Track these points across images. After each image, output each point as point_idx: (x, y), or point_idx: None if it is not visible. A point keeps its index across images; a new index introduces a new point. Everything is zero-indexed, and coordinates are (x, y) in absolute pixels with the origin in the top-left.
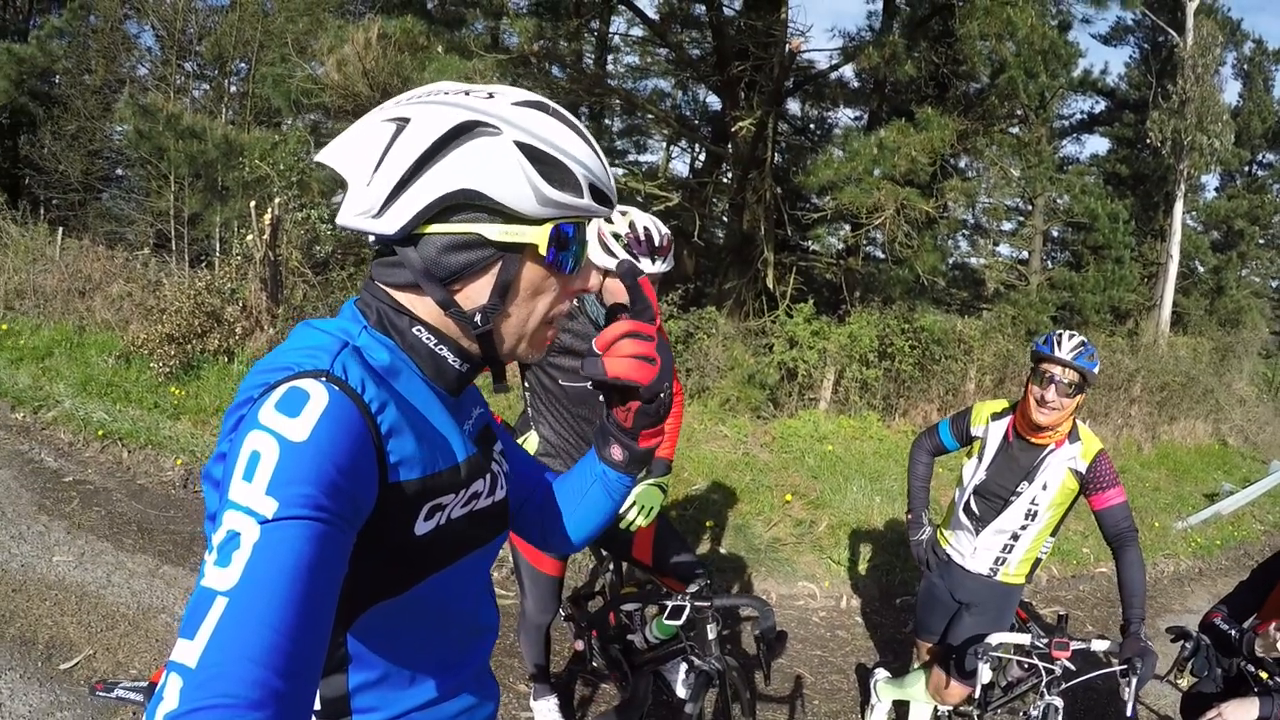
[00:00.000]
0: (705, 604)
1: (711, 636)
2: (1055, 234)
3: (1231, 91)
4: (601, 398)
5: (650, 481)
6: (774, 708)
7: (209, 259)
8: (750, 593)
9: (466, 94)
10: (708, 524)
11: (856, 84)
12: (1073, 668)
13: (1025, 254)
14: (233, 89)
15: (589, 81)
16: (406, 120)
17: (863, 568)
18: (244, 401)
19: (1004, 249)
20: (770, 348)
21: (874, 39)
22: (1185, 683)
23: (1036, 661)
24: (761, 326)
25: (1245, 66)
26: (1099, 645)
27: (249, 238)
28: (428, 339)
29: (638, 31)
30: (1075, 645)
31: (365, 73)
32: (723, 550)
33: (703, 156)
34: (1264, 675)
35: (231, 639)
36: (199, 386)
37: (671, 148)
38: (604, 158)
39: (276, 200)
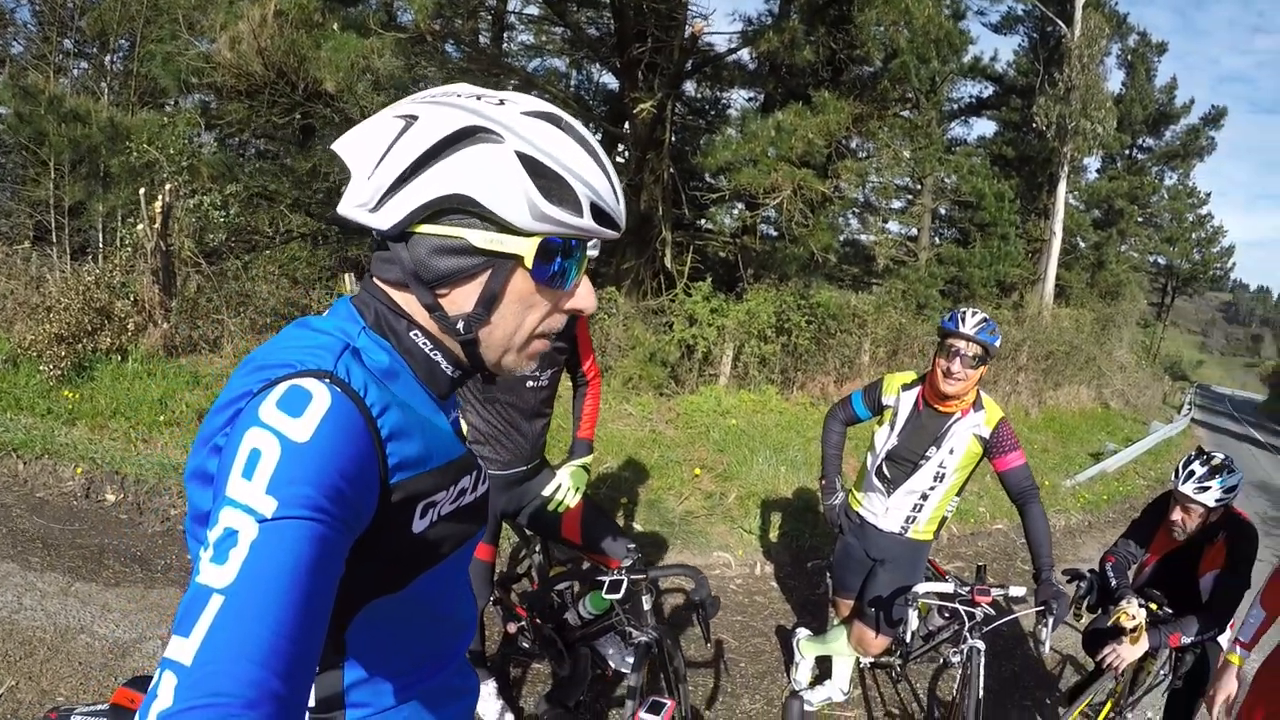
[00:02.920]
0: (641, 575)
1: (647, 607)
2: (943, 212)
3: (1115, 80)
4: (530, 383)
5: (575, 462)
6: (702, 673)
7: (93, 251)
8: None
9: (479, 98)
10: (622, 501)
11: (752, 66)
12: (993, 613)
13: (914, 231)
14: (116, 67)
15: (486, 61)
16: (415, 118)
17: (773, 535)
18: (241, 395)
19: (893, 226)
20: (670, 326)
21: (774, 24)
22: (1084, 621)
23: (959, 608)
24: (661, 305)
25: (1129, 57)
26: (1016, 591)
27: (139, 227)
28: (424, 343)
29: (534, 10)
30: (996, 592)
31: (260, 51)
32: (638, 526)
33: (599, 137)
34: (1153, 606)
35: (228, 637)
36: (93, 388)
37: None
38: (615, 179)
39: (167, 187)
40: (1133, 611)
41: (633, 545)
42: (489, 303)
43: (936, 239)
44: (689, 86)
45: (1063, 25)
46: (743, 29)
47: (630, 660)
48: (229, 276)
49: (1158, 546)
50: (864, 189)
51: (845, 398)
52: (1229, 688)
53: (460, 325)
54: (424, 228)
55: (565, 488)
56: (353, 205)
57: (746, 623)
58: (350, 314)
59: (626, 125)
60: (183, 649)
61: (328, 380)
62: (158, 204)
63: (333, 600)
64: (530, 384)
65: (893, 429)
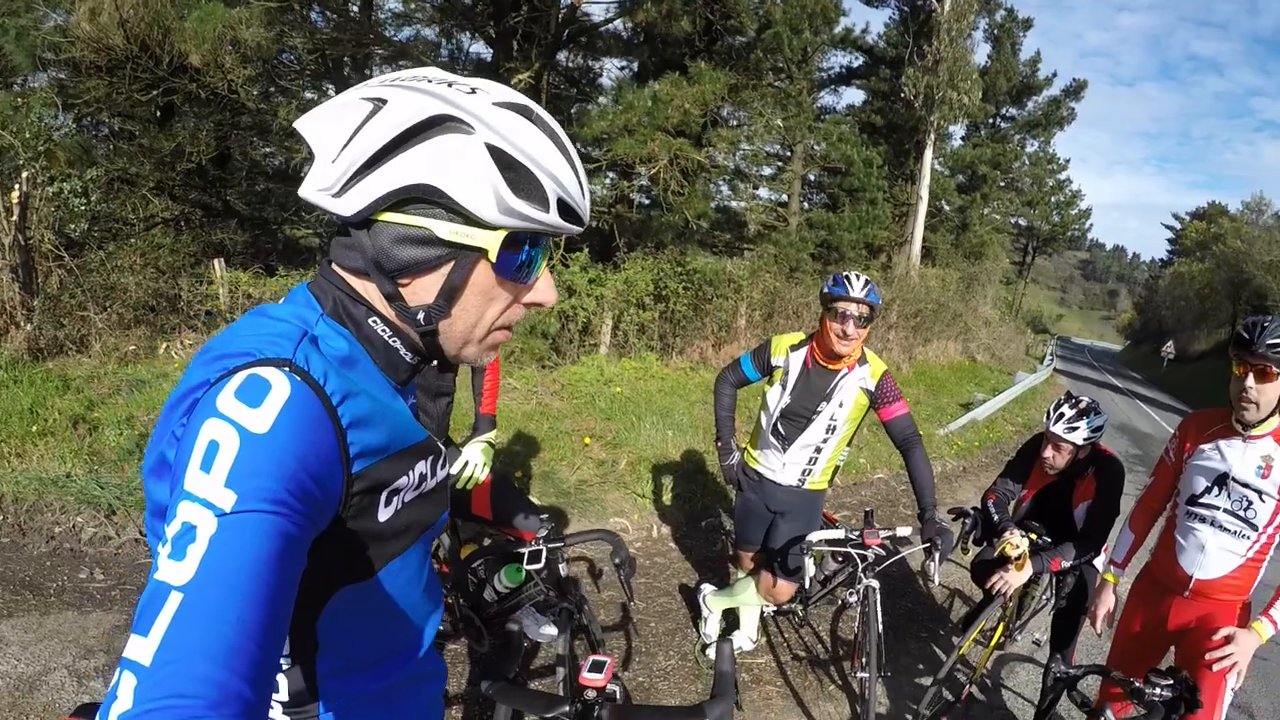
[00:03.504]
0: (559, 543)
1: (564, 574)
2: (813, 178)
3: (982, 53)
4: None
5: (480, 438)
6: (614, 636)
7: None
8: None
9: (450, 85)
10: (516, 475)
11: (627, 35)
12: (884, 553)
13: (785, 197)
14: None
15: (356, 30)
16: (383, 102)
17: (667, 498)
18: (199, 384)
19: (764, 193)
20: None
21: None
22: (970, 555)
23: (851, 551)
24: None
25: (996, 31)
26: (904, 531)
27: None
28: (383, 331)
29: None
30: (884, 533)
31: (122, 22)
32: (534, 499)
33: None
34: (1034, 536)
35: (187, 636)
36: None
37: None
38: (583, 174)
39: (24, 174)
40: (1016, 541)
41: (545, 515)
42: (450, 295)
43: (806, 204)
44: (563, 56)
45: (933, 0)
46: None
47: (545, 631)
48: (92, 269)
49: (1033, 483)
50: (736, 157)
51: (734, 361)
52: (1108, 603)
53: (421, 316)
54: (388, 216)
55: (474, 464)
56: (315, 189)
57: (650, 584)
58: (308, 301)
59: None
60: (142, 648)
61: (287, 368)
62: (15, 194)
63: (294, 596)
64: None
65: (784, 388)
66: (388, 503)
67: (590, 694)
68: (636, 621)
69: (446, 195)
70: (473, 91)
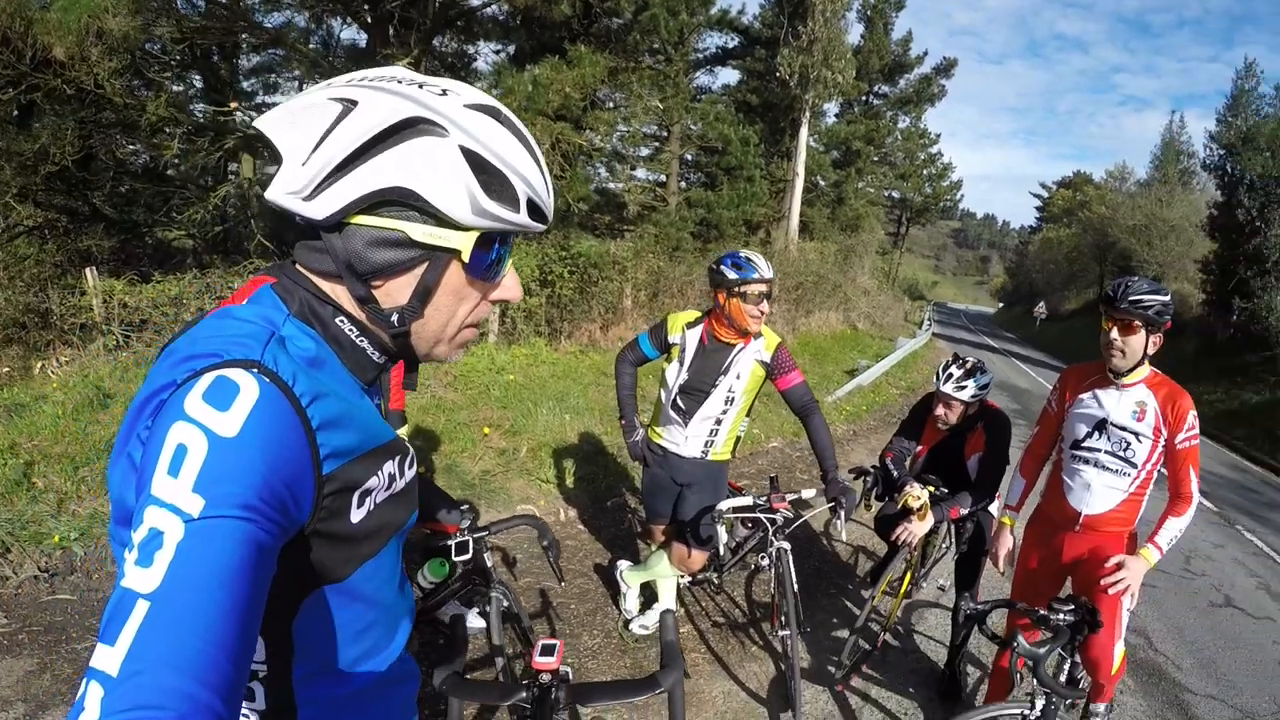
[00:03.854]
0: (483, 532)
1: (490, 564)
2: (690, 158)
3: (855, 33)
4: None
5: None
6: (536, 622)
7: None
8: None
9: (420, 86)
10: (420, 470)
11: (503, 19)
12: (791, 515)
13: (663, 177)
14: None
15: (226, 17)
16: (354, 103)
17: (570, 481)
18: (165, 386)
19: (642, 173)
20: None
21: None
22: (873, 511)
23: (760, 516)
24: None
25: (869, 12)
26: (808, 493)
27: None
28: (350, 330)
29: None
30: (791, 496)
31: None
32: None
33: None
34: (931, 489)
35: (154, 646)
36: None
37: (304, 87)
38: (548, 173)
39: None
40: (917, 493)
41: (466, 506)
42: (424, 296)
43: (685, 184)
44: (437, 41)
45: None
46: None
47: (473, 623)
48: None
49: (927, 439)
50: (614, 139)
51: (633, 340)
52: (1007, 543)
53: (395, 318)
54: (361, 219)
55: None
56: (284, 192)
57: (565, 567)
58: (274, 302)
59: None
60: (108, 658)
61: (255, 370)
62: None
63: (264, 603)
64: None
65: (682, 365)
66: (360, 504)
67: (544, 677)
68: (557, 605)
69: (422, 198)
70: (444, 93)
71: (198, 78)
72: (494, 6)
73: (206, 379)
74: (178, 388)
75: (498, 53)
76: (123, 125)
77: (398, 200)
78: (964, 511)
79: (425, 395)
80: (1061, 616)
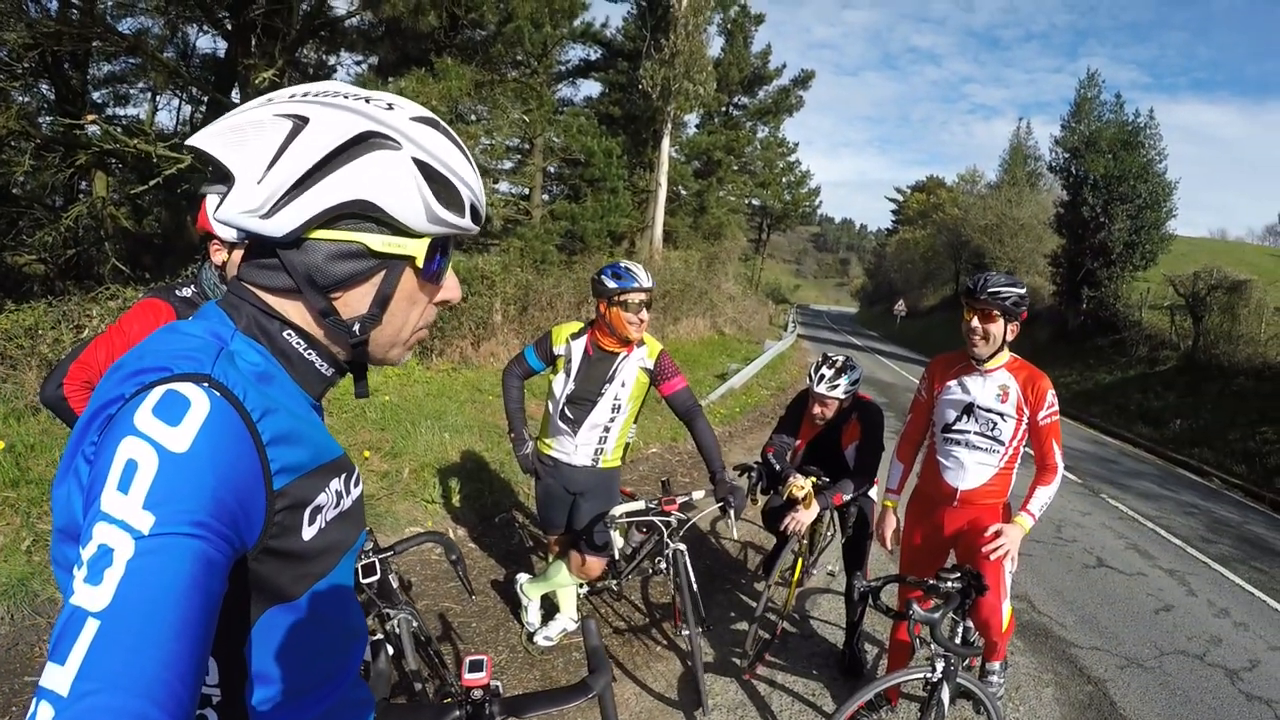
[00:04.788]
0: (388, 553)
1: (395, 585)
2: (554, 170)
3: (716, 46)
4: None
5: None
6: (439, 644)
7: None
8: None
9: (367, 100)
10: None
11: (367, 29)
12: (684, 517)
13: (526, 190)
14: None
15: (80, 23)
16: (305, 119)
17: (456, 500)
18: (112, 400)
19: (504, 186)
20: None
21: None
22: (760, 505)
23: (654, 519)
24: None
25: (729, 25)
26: (698, 494)
27: None
28: (298, 344)
29: None
30: (681, 499)
31: None
32: None
33: (203, 107)
34: (814, 480)
35: (104, 666)
36: None
37: (158, 97)
38: (480, 178)
39: None
40: (801, 483)
41: (367, 529)
42: (383, 303)
43: (548, 196)
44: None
45: None
46: None
47: (390, 647)
48: None
49: (804, 434)
50: (476, 151)
51: (519, 354)
52: (891, 523)
53: (356, 327)
54: (320, 233)
55: None
56: (238, 211)
57: (461, 587)
58: (220, 317)
59: (237, 93)
60: (58, 678)
61: (206, 384)
62: None
63: (216, 622)
64: None
65: (569, 375)
66: (311, 521)
67: (477, 693)
68: (458, 625)
69: (381, 209)
70: (390, 107)
71: (47, 87)
72: (359, 17)
73: (156, 393)
74: (126, 402)
75: (359, 64)
76: None
77: (357, 213)
78: (847, 497)
79: None
80: (950, 584)
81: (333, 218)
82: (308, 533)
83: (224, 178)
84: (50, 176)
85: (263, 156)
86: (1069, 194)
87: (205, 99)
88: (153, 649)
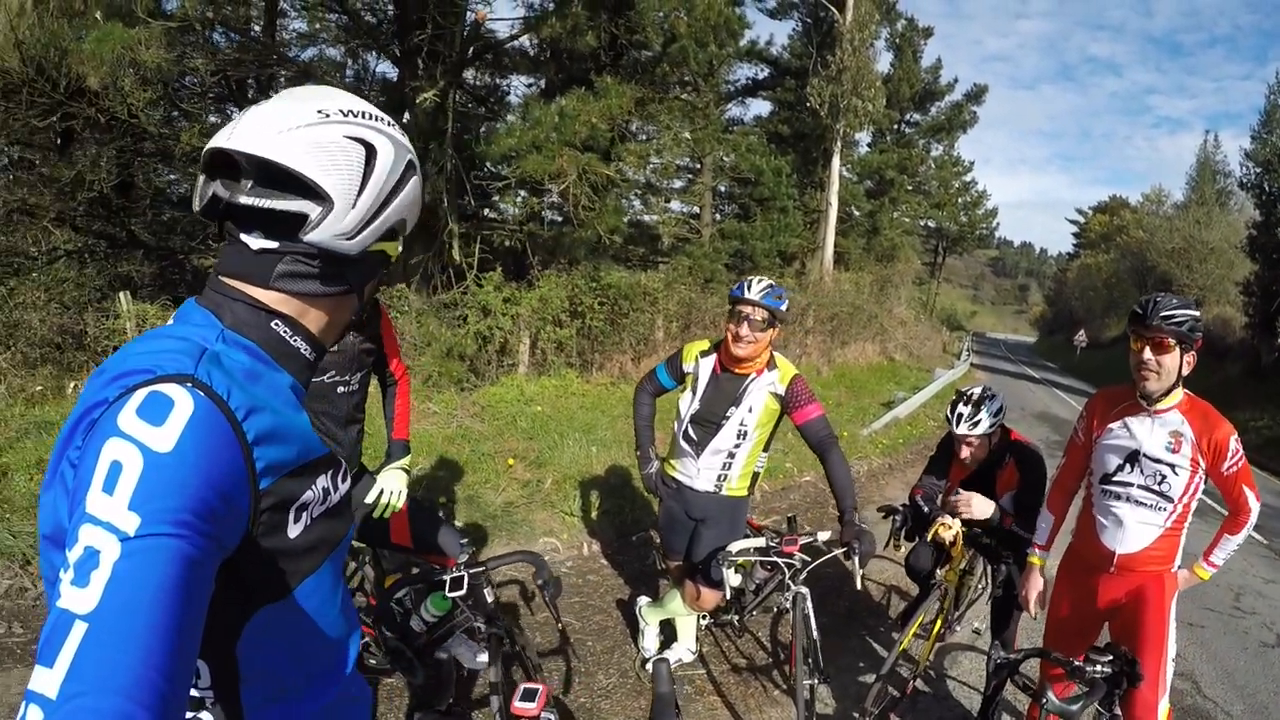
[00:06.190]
0: (480, 568)
1: (490, 600)
2: (723, 189)
3: (884, 61)
4: (341, 389)
5: (394, 465)
6: (553, 658)
7: None
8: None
9: (390, 124)
10: (440, 500)
11: (534, 52)
12: (808, 558)
13: (696, 209)
14: None
15: (260, 51)
16: (372, 146)
17: (595, 515)
18: (96, 404)
19: (676, 205)
20: (464, 319)
21: (556, 9)
22: (903, 551)
23: (776, 560)
24: (453, 299)
25: (897, 40)
26: (822, 535)
27: None
28: (285, 331)
29: None
30: (803, 539)
31: (18, 44)
32: (460, 523)
33: None
34: (963, 528)
35: (93, 668)
36: None
37: None
38: None
39: None
40: (949, 522)
41: (465, 540)
42: (375, 287)
43: (718, 215)
44: (469, 74)
45: (835, 11)
46: (525, 15)
47: (480, 659)
48: None
49: (954, 475)
50: (646, 171)
51: (651, 371)
52: (1037, 585)
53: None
54: (375, 247)
55: (390, 491)
56: (331, 234)
57: (585, 602)
58: (205, 318)
59: (407, 115)
60: (47, 681)
61: (190, 384)
62: None
63: (203, 621)
64: (341, 390)
65: (695, 394)
66: (297, 519)
67: None
68: (574, 642)
69: (406, 225)
70: (404, 130)
71: (234, 109)
72: (523, 39)
73: (140, 394)
74: (110, 405)
75: (529, 86)
76: (161, 155)
77: (396, 229)
78: (1016, 529)
79: (451, 425)
80: (1098, 668)
81: (382, 235)
82: (293, 530)
83: (318, 197)
84: None
85: (352, 183)
86: (1262, 213)
87: None
88: (140, 650)
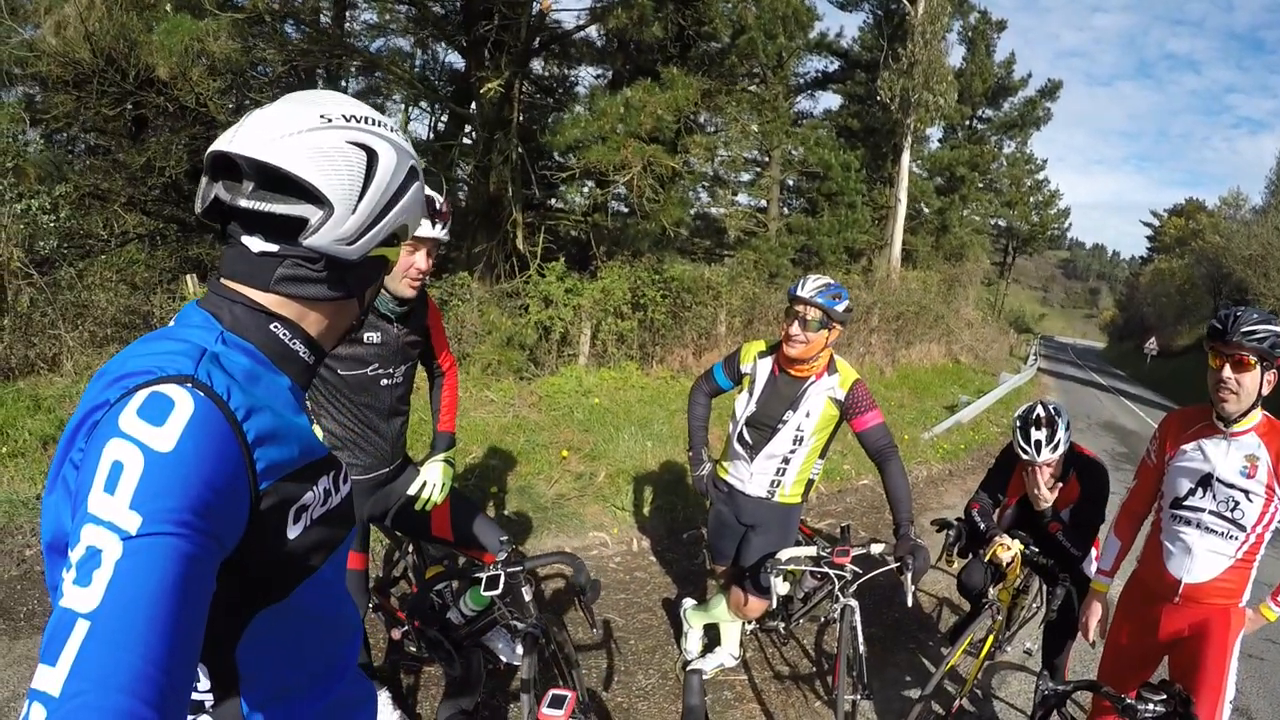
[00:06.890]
0: (518, 567)
1: (528, 598)
2: (791, 183)
3: (956, 55)
4: (385, 381)
5: (438, 457)
6: (593, 655)
7: None
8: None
9: (390, 129)
10: (491, 490)
11: (600, 43)
12: (859, 570)
13: (763, 203)
14: None
15: (328, 42)
16: (373, 152)
17: (646, 510)
18: (98, 405)
19: (743, 198)
20: (525, 308)
21: (623, 0)
22: (956, 566)
23: (826, 570)
24: (515, 288)
25: (970, 34)
26: (876, 548)
27: None
28: (284, 334)
29: None
30: (855, 551)
31: (88, 36)
32: (510, 513)
33: (445, 118)
34: (1021, 548)
35: (95, 666)
36: None
37: (410, 110)
38: None
39: None
40: (1007, 542)
41: (505, 537)
42: (375, 291)
43: (785, 209)
44: (536, 65)
45: (906, 3)
46: (591, 5)
47: (519, 652)
48: (63, 287)
49: (1014, 490)
50: (713, 163)
51: (708, 370)
52: (1098, 612)
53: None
54: (375, 251)
55: (431, 484)
56: (331, 239)
57: (630, 599)
58: (205, 320)
59: (473, 105)
60: (50, 679)
61: (190, 385)
62: None
63: (204, 619)
64: (385, 382)
65: (751, 395)
66: (296, 520)
67: None
68: (617, 639)
69: (408, 230)
70: (405, 135)
71: None
72: (590, 30)
73: (140, 395)
74: (111, 406)
75: (598, 77)
76: None
77: (398, 234)
78: (1070, 548)
79: (508, 414)
80: (1150, 707)
81: (382, 241)
82: (293, 531)
83: (316, 200)
84: None
85: (352, 189)
86: None
87: (446, 111)
88: (142, 649)
